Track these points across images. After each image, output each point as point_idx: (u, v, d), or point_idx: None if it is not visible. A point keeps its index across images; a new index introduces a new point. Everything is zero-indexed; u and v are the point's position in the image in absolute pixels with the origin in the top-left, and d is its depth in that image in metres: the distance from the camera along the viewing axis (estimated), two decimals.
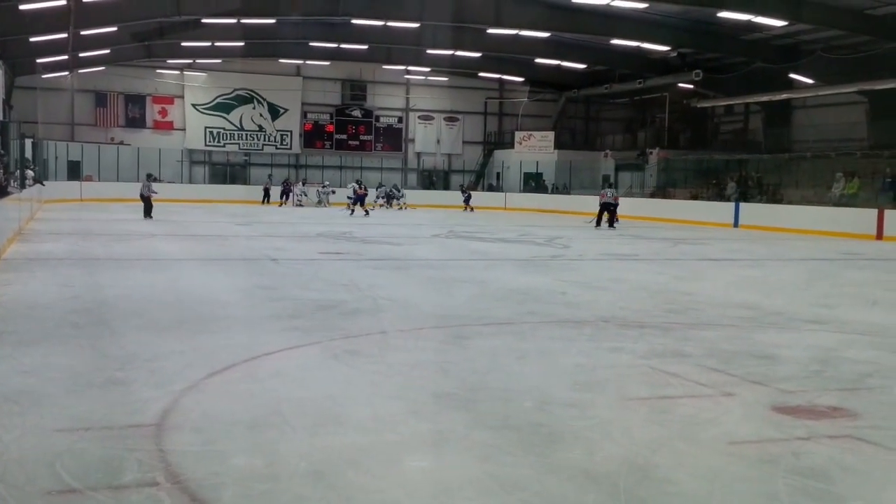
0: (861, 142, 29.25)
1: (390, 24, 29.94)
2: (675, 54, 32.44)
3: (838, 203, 24.51)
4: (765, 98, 32.77)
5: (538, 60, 36.53)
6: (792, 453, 4.02)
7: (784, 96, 32.15)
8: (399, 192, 36.76)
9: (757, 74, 31.42)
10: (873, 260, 15.85)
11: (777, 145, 33.60)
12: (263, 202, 36.45)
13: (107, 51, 33.30)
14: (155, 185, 23.58)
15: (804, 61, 29.35)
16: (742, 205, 26.95)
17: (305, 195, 36.25)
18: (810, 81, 30.56)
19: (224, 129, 41.10)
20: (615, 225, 24.07)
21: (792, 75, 30.85)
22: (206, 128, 40.84)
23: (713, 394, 5.16)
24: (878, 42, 25.95)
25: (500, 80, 42.98)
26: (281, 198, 36.35)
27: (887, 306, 9.32)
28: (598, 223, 24.19)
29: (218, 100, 40.92)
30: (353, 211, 28.41)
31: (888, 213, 21.63)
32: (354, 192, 29.05)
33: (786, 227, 23.51)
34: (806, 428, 4.43)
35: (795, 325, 7.97)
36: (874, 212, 21.95)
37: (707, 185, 31.97)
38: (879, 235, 21.41)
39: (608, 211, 24.36)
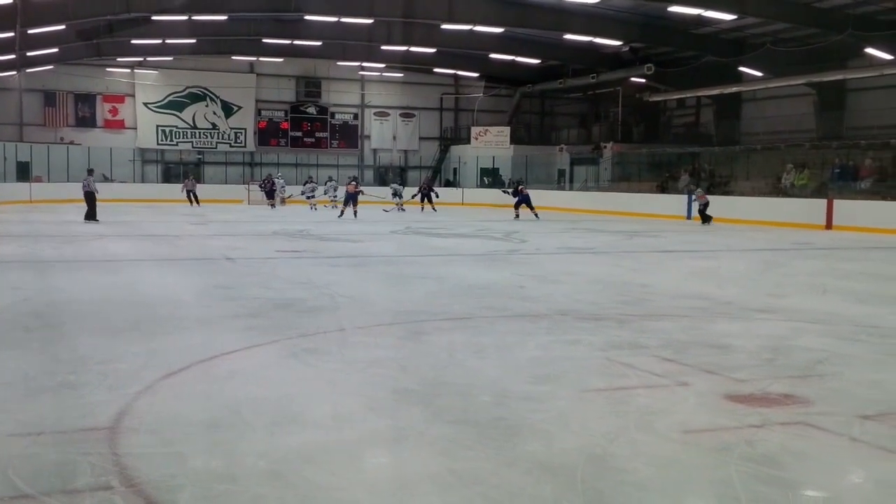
0: (809, 133, 29.89)
1: (343, 20, 29.78)
2: (627, 49, 32.77)
3: (788, 194, 25.01)
4: (715, 91, 33.29)
5: (493, 56, 36.64)
6: (745, 441, 4.10)
7: (734, 89, 32.69)
8: (400, 189, 31.84)
9: (707, 68, 31.92)
10: (823, 249, 16.20)
11: (728, 138, 34.18)
12: (191, 204, 32.36)
13: (55, 49, 32.57)
14: (99, 184, 22.76)
15: (753, 54, 29.87)
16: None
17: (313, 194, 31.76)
18: (759, 74, 31.10)
19: (176, 127, 40.52)
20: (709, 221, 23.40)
21: (741, 68, 31.38)
22: (158, 126, 40.22)
23: (668, 384, 5.24)
24: (825, 34, 26.52)
25: (455, 75, 43.01)
26: (270, 197, 32.53)
27: (837, 295, 9.54)
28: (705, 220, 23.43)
29: (170, 98, 40.32)
30: (343, 212, 25.59)
31: (837, 202, 22.13)
32: (346, 190, 26.69)
33: (738, 219, 23.93)
34: (758, 415, 4.52)
35: (748, 314, 8.13)
36: (823, 202, 22.44)
37: (660, 177, 32.39)
38: (829, 225, 21.90)
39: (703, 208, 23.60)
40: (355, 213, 24.94)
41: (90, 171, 22.78)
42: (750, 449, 3.99)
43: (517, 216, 24.97)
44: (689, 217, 26.17)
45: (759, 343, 6.56)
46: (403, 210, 29.79)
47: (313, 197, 31.37)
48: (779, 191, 25.56)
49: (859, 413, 4.57)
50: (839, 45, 26.12)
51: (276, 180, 33.69)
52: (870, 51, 25.78)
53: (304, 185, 33.06)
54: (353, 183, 26.34)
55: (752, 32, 29.41)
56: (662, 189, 31.12)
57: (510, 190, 28.45)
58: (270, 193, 32.72)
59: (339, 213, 25.79)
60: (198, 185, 34.40)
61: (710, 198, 24.39)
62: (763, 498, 3.40)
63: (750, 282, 11.02)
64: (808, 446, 4.05)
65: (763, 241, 18.19)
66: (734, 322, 7.65)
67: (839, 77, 28.25)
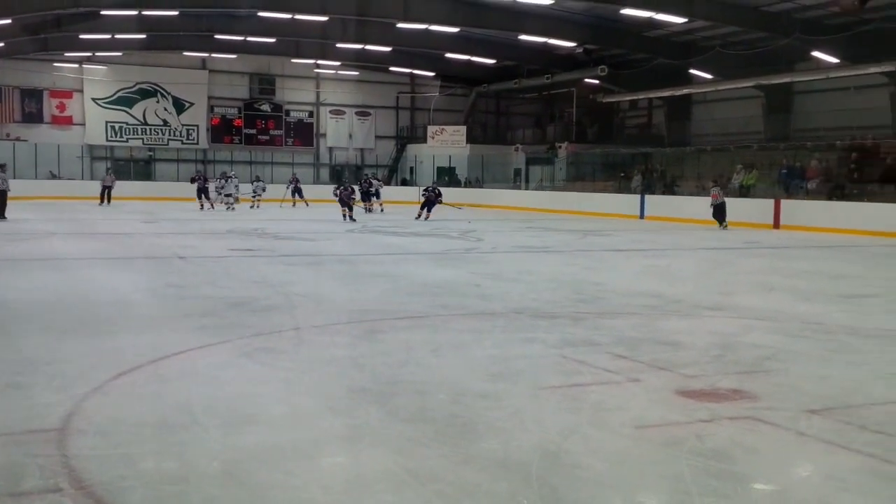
0: (758, 135, 30.50)
1: (298, 16, 29.54)
2: (580, 50, 33.09)
3: (737, 194, 25.48)
4: (666, 93, 33.81)
5: (448, 55, 36.69)
6: (695, 435, 4.18)
7: (685, 91, 33.24)
8: (377, 185, 29.13)
9: (659, 70, 32.41)
10: (771, 248, 16.54)
11: (679, 139, 34.74)
12: (101, 202, 29.57)
13: (0, 44, 31.79)
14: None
15: (703, 57, 30.39)
16: (647, 197, 27.72)
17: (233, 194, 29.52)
18: (709, 77, 31.67)
19: (127, 123, 39.82)
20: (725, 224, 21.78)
21: (692, 71, 31.92)
22: (107, 122, 39.48)
23: (621, 380, 5.31)
24: (773, 38, 27.09)
25: (411, 74, 42.99)
26: (199, 197, 28.97)
27: (784, 293, 9.75)
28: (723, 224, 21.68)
29: (119, 94, 39.60)
30: (367, 208, 26.03)
31: (784, 202, 22.62)
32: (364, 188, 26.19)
33: (688, 218, 24.30)
34: (708, 410, 4.61)
35: (698, 312, 8.27)
36: (771, 202, 22.92)
37: (614, 177, 32.76)
38: (776, 224, 22.37)
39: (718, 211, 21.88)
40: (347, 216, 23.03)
41: (2, 167, 21.79)
42: (700, 443, 4.06)
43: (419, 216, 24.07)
44: (642, 216, 26.52)
45: (708, 340, 6.68)
46: (370, 211, 27.56)
47: (258, 195, 30.39)
48: (728, 191, 26.00)
49: (806, 408, 4.68)
50: (787, 48, 26.72)
51: (230, 178, 30.60)
52: (816, 54, 26.39)
53: (254, 182, 31.59)
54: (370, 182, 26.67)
55: (703, 35, 29.92)
56: (627, 190, 31.32)
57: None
58: (204, 192, 28.95)
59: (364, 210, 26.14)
60: (156, 184, 33.48)
61: (661, 197, 24.66)
62: (713, 491, 3.46)
63: (700, 280, 11.21)
64: (757, 440, 4.13)
65: (713, 240, 18.50)
66: (685, 319, 7.78)
67: (787, 80, 28.88)
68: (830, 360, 6.08)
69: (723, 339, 6.74)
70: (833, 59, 26.14)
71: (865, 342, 6.81)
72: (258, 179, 32.46)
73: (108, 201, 29.69)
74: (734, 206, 24.29)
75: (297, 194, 31.79)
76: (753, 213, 22.97)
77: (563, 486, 3.50)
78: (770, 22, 26.46)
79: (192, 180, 30.28)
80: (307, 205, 31.32)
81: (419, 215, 23.78)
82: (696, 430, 4.26)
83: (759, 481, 3.65)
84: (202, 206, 28.67)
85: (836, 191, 23.34)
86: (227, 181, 30.04)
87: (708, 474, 3.66)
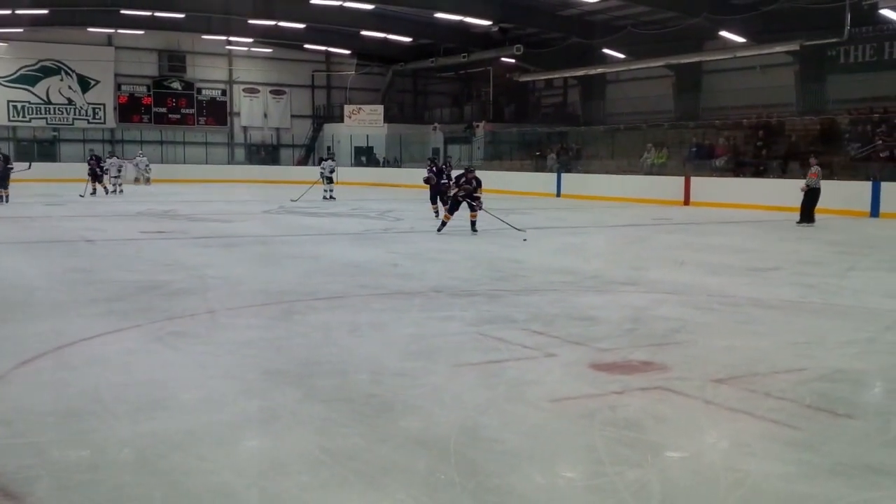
0: (668, 114, 31.23)
1: None
2: (496, 29, 33.22)
3: (649, 172, 26.10)
4: (581, 72, 34.24)
5: (364, 33, 36.31)
6: (608, 406, 4.28)
7: (598, 71, 33.73)
8: (331, 166, 25.95)
9: (573, 50, 32.80)
10: (681, 224, 17.02)
11: (593, 118, 35.28)
12: None
13: None
14: None
15: (615, 37, 30.89)
16: (563, 175, 28.12)
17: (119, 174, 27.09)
18: (621, 56, 32.20)
19: (29, 102, 38.15)
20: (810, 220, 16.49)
21: (605, 50, 32.39)
22: (8, 101, 37.74)
23: (537, 356, 5.40)
24: (683, 18, 27.71)
25: (326, 52, 42.39)
26: (94, 181, 25.16)
27: (693, 267, 10.05)
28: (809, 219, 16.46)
29: (21, 71, 37.87)
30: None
31: (694, 180, 23.28)
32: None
33: (603, 196, 24.78)
34: (620, 382, 4.73)
35: (611, 287, 8.46)
36: (681, 179, 23.56)
37: (531, 156, 33.09)
38: (686, 201, 23.02)
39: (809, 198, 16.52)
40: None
41: None
42: (613, 414, 4.17)
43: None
44: (558, 195, 26.90)
45: (621, 314, 6.85)
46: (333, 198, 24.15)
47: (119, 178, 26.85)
48: (639, 169, 26.60)
49: (713, 377, 4.85)
50: (695, 28, 27.38)
51: (113, 159, 27.47)
52: (724, 34, 27.11)
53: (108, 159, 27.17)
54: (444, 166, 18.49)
55: (615, 15, 30.36)
56: (543, 168, 31.57)
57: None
58: (95, 175, 25.33)
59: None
60: (60, 165, 30.97)
61: (576, 175, 24.95)
62: (625, 460, 3.56)
63: (614, 256, 11.46)
64: (667, 410, 4.26)
65: (626, 217, 18.92)
66: (599, 295, 7.94)
67: (696, 59, 29.62)
68: (736, 331, 6.31)
69: (635, 312, 6.91)
70: (740, 39, 26.91)
71: (769, 313, 7.09)
72: (112, 155, 28.53)
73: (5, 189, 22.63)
74: (645, 182, 24.87)
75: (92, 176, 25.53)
76: (664, 191, 23.57)
77: (480, 460, 3.54)
78: (679, 2, 27.06)
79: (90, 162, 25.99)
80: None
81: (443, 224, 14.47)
82: (609, 402, 4.36)
83: (669, 449, 3.77)
84: (94, 190, 24.98)
85: (742, 168, 24.15)
86: (108, 160, 26.86)
87: (621, 444, 3.76)
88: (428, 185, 18.07)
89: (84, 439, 3.74)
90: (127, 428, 3.90)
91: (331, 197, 24.34)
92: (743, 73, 28.40)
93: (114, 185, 26.57)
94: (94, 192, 24.84)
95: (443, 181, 16.93)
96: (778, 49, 26.02)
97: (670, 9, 27.83)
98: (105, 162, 26.97)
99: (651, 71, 31.56)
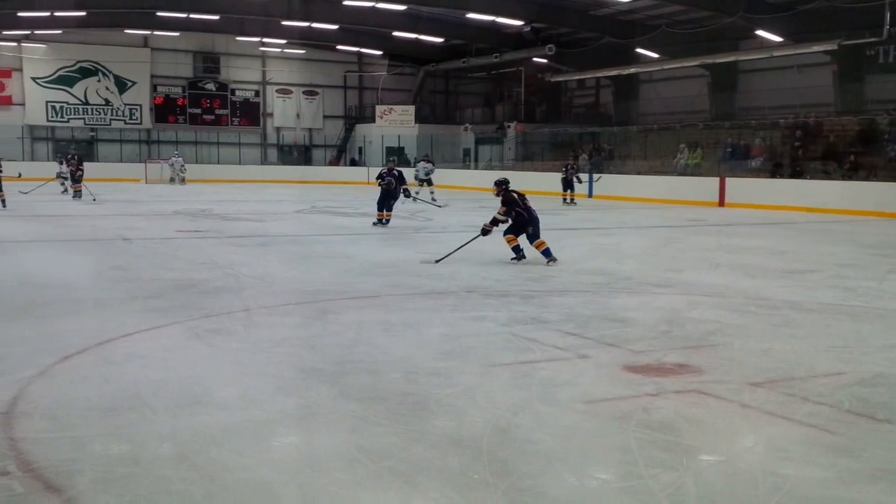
0: (703, 113, 30.94)
1: None
2: (528, 29, 33.11)
3: (683, 173, 25.88)
4: (613, 72, 34.03)
5: (396, 34, 36.42)
6: (642, 409, 4.26)
7: (631, 70, 33.51)
8: (428, 168, 24.85)
9: (606, 49, 32.59)
10: (716, 225, 16.86)
11: (626, 118, 35.06)
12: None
13: None
14: None
15: (649, 36, 30.65)
16: (596, 175, 27.95)
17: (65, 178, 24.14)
18: (655, 56, 31.95)
19: (67, 103, 38.78)
20: None
21: (638, 50, 32.17)
22: (47, 102, 38.40)
23: (570, 357, 5.39)
24: (718, 17, 27.43)
25: (358, 53, 42.58)
26: (74, 181, 23.02)
27: (729, 269, 9.95)
28: None
29: (60, 72, 38.51)
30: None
31: (729, 181, 23.04)
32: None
33: (636, 197, 24.61)
34: (655, 385, 4.70)
35: (645, 288, 8.41)
36: (716, 180, 23.32)
37: (562, 156, 32.94)
38: (721, 202, 22.78)
39: None
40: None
41: None
42: (647, 417, 4.15)
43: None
44: (590, 195, 26.76)
45: (655, 316, 6.80)
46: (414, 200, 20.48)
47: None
48: (673, 170, 26.38)
49: (749, 380, 4.81)
50: (731, 27, 27.08)
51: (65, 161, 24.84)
52: (760, 33, 26.81)
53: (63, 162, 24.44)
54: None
55: (649, 14, 30.16)
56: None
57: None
58: (73, 176, 23.38)
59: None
60: (97, 165, 31.20)
61: (608, 176, 24.83)
62: (660, 463, 3.54)
63: (648, 257, 11.38)
64: (702, 413, 4.23)
65: (659, 218, 18.78)
66: (633, 296, 7.90)
67: (731, 59, 29.30)
68: (773, 334, 6.24)
69: (670, 314, 6.87)
70: (777, 38, 26.59)
71: (807, 316, 7.01)
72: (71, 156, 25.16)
73: None
74: (679, 183, 24.64)
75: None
76: (698, 192, 23.35)
77: (513, 460, 3.55)
78: (714, 1, 26.78)
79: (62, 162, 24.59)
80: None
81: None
82: (643, 404, 4.34)
83: (704, 452, 3.75)
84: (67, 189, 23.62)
85: (778, 168, 23.86)
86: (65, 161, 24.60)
87: (655, 446, 3.74)
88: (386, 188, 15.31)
89: (125, 434, 3.81)
90: (166, 423, 3.96)
91: (432, 200, 22.47)
92: (780, 72, 28.04)
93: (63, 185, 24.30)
94: (70, 191, 23.26)
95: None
96: (815, 48, 25.66)
97: (705, 8, 27.56)
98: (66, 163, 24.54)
99: (685, 70, 31.29)
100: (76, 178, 22.99)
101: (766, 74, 29.09)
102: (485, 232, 10.29)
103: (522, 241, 10.19)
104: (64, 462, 3.44)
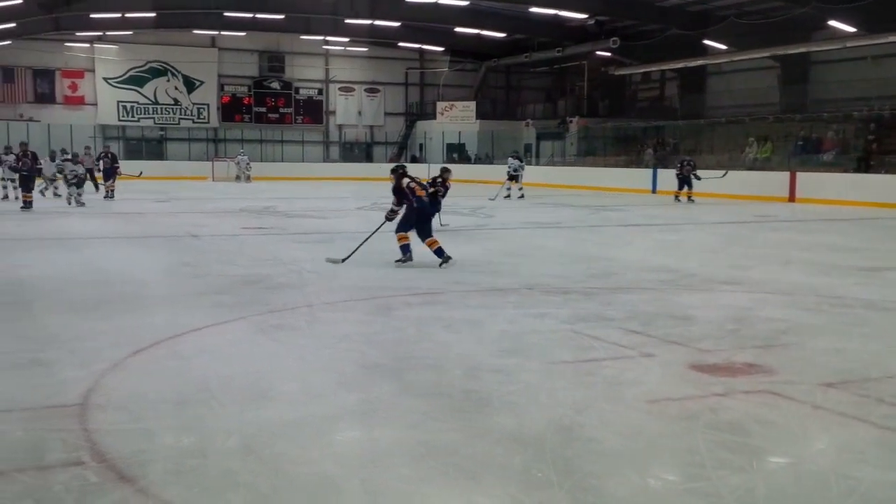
0: (773, 106, 30.18)
1: None
2: (592, 22, 32.77)
3: (751, 167, 25.28)
4: (679, 65, 33.43)
5: (458, 30, 36.41)
6: (710, 409, 4.18)
7: (698, 63, 32.86)
8: (520, 166, 24.85)
9: (672, 41, 32.00)
10: (786, 221, 16.44)
11: (692, 111, 34.39)
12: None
13: (12, 24, 31.80)
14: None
15: (717, 28, 29.99)
16: (660, 171, 27.52)
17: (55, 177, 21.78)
18: (723, 47, 31.28)
19: (138, 102, 39.82)
20: None
21: (706, 41, 31.52)
22: (118, 102, 39.49)
23: (634, 355, 5.31)
24: (789, 7, 26.71)
25: (420, 50, 42.71)
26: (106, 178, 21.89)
27: (799, 266, 9.70)
28: None
29: (130, 73, 39.56)
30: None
31: (800, 175, 22.44)
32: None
33: (702, 192, 24.12)
34: (723, 385, 4.61)
35: (712, 286, 8.24)
36: (787, 174, 22.74)
37: (626, 152, 32.55)
38: (792, 197, 22.21)
39: None
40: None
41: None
42: (715, 417, 4.06)
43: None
44: (654, 191, 26.38)
45: (723, 314, 6.66)
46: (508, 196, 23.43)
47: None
48: (741, 164, 25.80)
49: (822, 381, 4.67)
50: (803, 17, 26.32)
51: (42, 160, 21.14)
52: (833, 23, 26.01)
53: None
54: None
55: (717, 5, 29.54)
56: (638, 164, 31.12)
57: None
58: (108, 173, 21.95)
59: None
60: (166, 163, 32.14)
61: (673, 171, 24.34)
62: (728, 464, 3.47)
63: (714, 254, 11.16)
64: (772, 414, 4.13)
65: (726, 213, 18.40)
66: (698, 294, 7.75)
67: (803, 50, 28.50)
68: (846, 334, 6.06)
69: (737, 313, 6.72)
70: (850, 29, 25.76)
71: (882, 316, 6.78)
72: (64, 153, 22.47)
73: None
74: (747, 178, 24.08)
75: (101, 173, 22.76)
76: (768, 187, 22.80)
77: (577, 459, 3.51)
78: None
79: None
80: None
81: None
82: (711, 404, 4.26)
83: (774, 454, 3.66)
84: (43, 191, 21.57)
85: (852, 163, 23.13)
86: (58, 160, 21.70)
87: (723, 447, 3.67)
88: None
89: (194, 426, 3.90)
90: (233, 416, 4.04)
91: (520, 195, 23.61)
92: (853, 63, 27.18)
93: (46, 187, 22.21)
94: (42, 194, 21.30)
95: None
96: (891, 39, 24.76)
97: None
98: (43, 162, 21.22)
99: (755, 62, 30.53)
100: (108, 175, 21.37)
101: (838, 66, 28.23)
102: (387, 220, 9.68)
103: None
104: (135, 453, 3.54)
